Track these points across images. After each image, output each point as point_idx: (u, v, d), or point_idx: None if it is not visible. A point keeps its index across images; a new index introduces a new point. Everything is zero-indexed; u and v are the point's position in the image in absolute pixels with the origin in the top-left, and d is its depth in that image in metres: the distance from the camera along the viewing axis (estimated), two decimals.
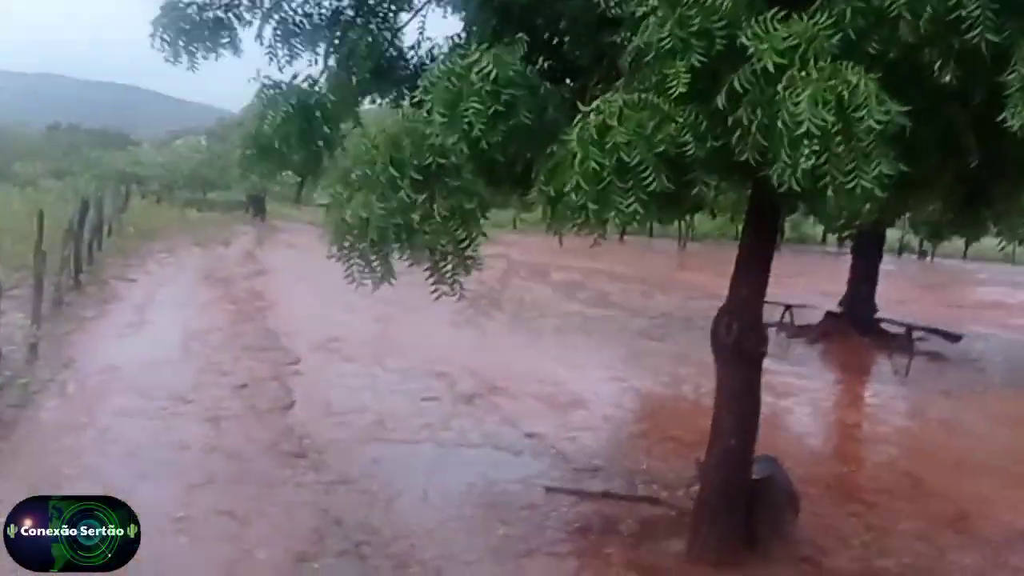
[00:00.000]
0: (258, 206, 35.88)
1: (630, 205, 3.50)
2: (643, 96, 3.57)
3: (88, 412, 7.70)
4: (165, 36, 4.94)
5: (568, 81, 4.65)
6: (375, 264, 4.10)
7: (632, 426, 9.09)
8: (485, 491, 6.55)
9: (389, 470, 6.81)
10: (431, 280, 4.23)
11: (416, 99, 4.18)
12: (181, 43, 4.97)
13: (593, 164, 3.50)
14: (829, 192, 3.26)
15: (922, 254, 34.12)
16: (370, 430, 7.77)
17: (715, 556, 5.42)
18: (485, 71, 3.77)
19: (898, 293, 18.73)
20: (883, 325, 14.41)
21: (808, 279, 20.19)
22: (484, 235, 4.19)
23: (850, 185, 3.22)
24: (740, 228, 7.16)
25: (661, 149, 3.49)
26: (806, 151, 3.18)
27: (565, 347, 12.71)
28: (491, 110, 3.75)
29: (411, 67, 5.32)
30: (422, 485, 6.50)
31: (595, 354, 12.47)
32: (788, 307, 14.43)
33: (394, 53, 5.35)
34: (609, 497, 6.59)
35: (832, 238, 26.76)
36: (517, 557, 5.46)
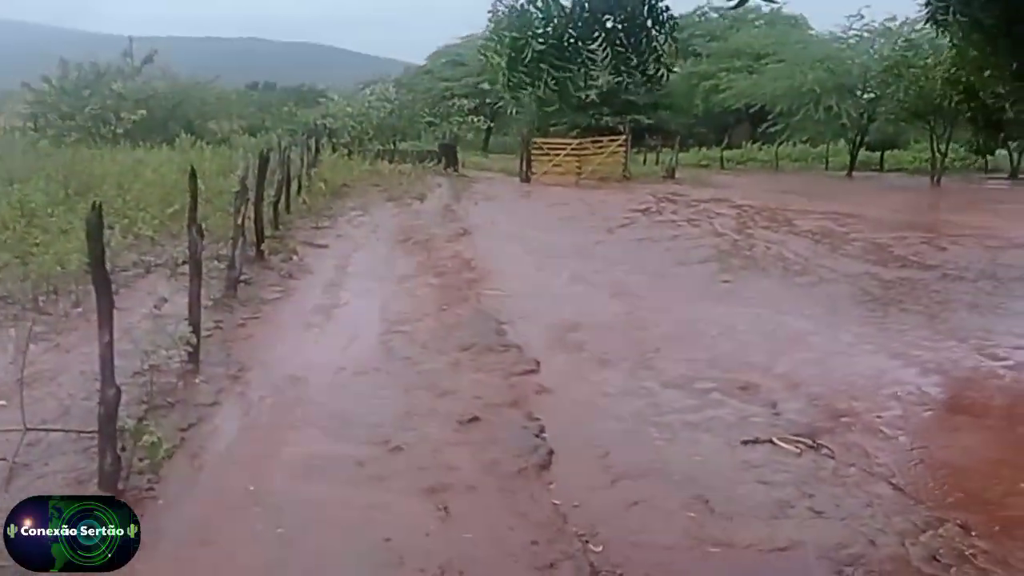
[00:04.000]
0: (450, 156, 33.53)
1: None
2: None
3: (254, 473, 5.05)
4: None
5: None
6: None
7: None
8: None
9: None
10: None
11: None
12: None
13: None
14: None
15: None
16: (693, 518, 4.57)
17: None
18: None
19: None
20: None
21: None
22: None
23: None
24: None
25: None
26: None
27: (889, 330, 8.99)
28: None
29: None
30: None
31: (940, 340, 8.59)
32: None
33: None
34: None
35: None
36: None
